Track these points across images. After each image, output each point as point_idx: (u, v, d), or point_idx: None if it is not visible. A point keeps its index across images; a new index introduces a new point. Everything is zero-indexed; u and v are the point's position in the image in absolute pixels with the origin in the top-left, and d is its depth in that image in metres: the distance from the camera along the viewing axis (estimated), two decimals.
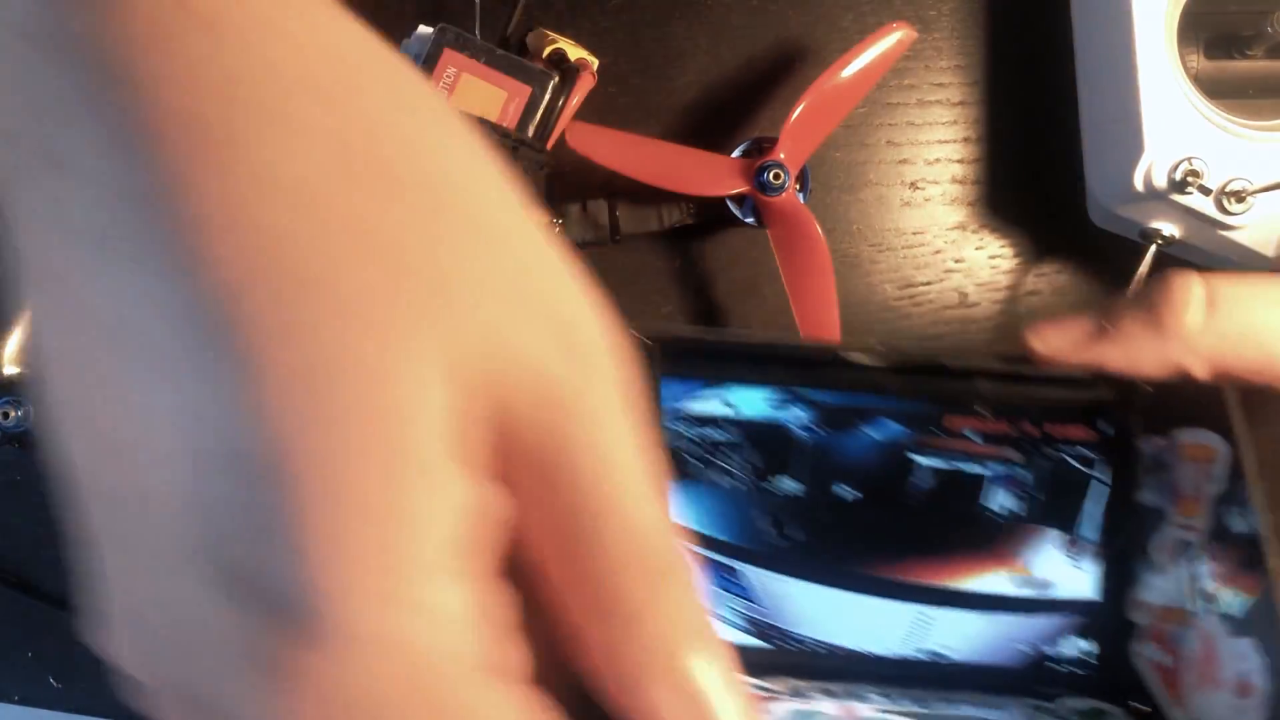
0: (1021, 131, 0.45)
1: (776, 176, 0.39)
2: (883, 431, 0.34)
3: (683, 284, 0.44)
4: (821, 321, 0.41)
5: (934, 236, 0.45)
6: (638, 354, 0.31)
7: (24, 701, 0.44)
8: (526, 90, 0.37)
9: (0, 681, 0.44)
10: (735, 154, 0.41)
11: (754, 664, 0.34)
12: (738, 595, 0.34)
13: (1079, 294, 0.45)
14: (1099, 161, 0.43)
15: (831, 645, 0.34)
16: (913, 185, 0.45)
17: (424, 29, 0.38)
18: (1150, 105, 0.39)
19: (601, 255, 0.43)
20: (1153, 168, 0.38)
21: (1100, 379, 0.33)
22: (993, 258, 0.45)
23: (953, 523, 0.35)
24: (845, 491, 0.34)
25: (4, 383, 0.39)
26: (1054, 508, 0.34)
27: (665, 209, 0.42)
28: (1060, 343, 0.32)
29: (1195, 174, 0.38)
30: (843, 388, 0.34)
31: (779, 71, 0.44)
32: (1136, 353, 0.31)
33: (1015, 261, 0.45)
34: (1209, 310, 0.31)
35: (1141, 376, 0.32)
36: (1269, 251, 0.39)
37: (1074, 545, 0.34)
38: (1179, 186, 0.38)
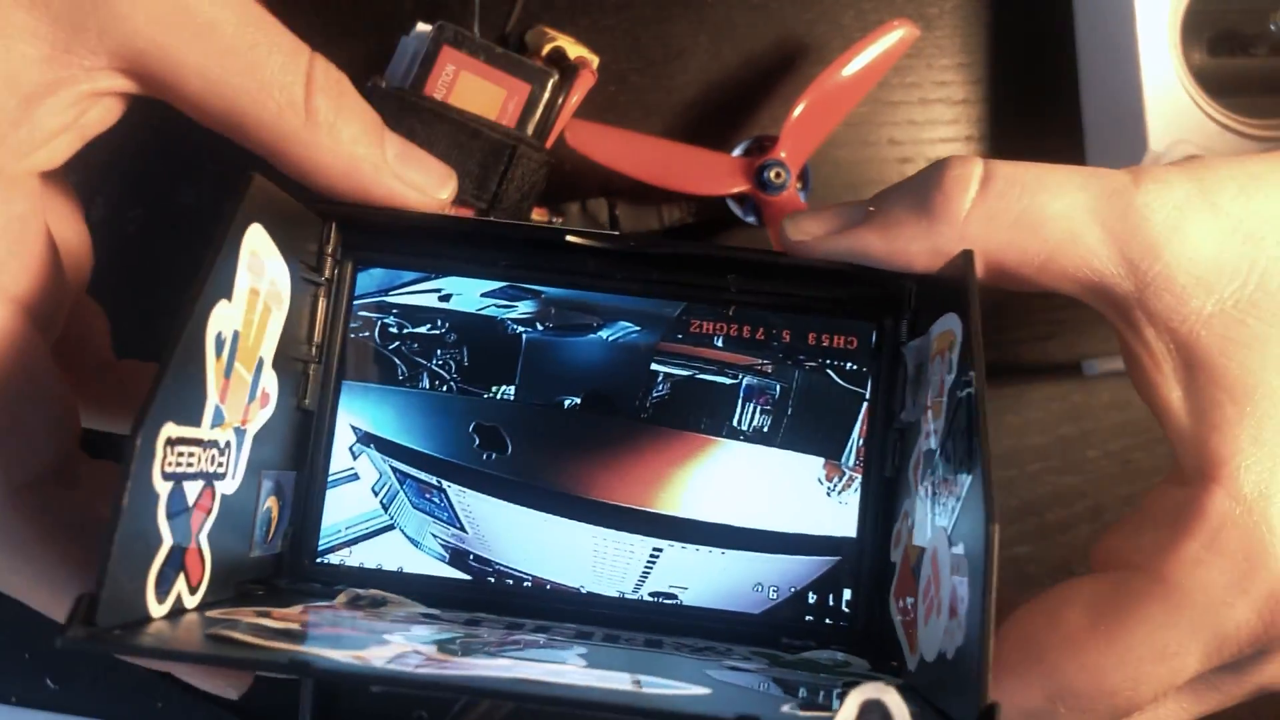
0: (1024, 130, 0.45)
1: (778, 175, 0.39)
2: (616, 333, 0.30)
3: None
4: None
5: None
6: (314, 227, 0.29)
7: (21, 702, 0.44)
8: (526, 88, 0.37)
9: None
10: (736, 152, 0.41)
11: (446, 598, 0.30)
12: (440, 520, 0.30)
13: None
14: (1102, 159, 0.43)
15: (540, 579, 0.30)
16: None
17: (422, 26, 0.37)
18: (1153, 103, 0.39)
19: None
20: None
21: (863, 273, 0.28)
22: None
23: (693, 442, 0.30)
24: (568, 401, 0.30)
25: None
26: (811, 428, 0.30)
27: (665, 208, 0.42)
28: (817, 229, 0.28)
29: None
30: (573, 282, 0.30)
31: (780, 69, 0.44)
32: (902, 240, 0.27)
33: None
34: (980, 189, 0.27)
35: (907, 269, 0.28)
36: None
37: (832, 473, 0.30)
38: None
